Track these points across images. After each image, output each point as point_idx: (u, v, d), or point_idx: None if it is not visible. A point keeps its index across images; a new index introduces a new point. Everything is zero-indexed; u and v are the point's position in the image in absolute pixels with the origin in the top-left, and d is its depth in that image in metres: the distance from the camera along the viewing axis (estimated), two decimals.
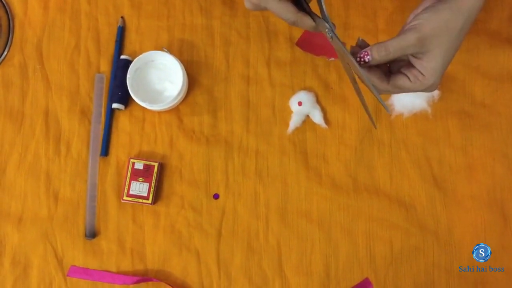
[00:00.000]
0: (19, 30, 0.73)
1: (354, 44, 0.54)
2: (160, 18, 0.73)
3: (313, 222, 0.70)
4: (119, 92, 0.70)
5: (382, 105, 0.51)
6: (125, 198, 0.69)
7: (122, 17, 0.73)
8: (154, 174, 0.69)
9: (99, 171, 0.70)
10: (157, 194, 0.70)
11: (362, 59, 0.51)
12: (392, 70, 0.55)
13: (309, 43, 0.72)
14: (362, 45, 0.54)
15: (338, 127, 0.72)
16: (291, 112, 0.72)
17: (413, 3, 0.72)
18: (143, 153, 0.71)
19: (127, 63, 0.70)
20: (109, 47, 0.73)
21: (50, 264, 0.69)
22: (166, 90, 0.70)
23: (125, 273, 0.68)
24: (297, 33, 0.73)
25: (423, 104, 0.71)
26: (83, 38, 0.73)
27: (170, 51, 0.71)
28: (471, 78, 0.72)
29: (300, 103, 0.71)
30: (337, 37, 0.50)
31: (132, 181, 0.69)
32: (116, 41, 0.73)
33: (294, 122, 0.71)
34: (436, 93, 0.71)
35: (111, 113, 0.71)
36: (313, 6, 0.51)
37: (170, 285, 0.68)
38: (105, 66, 0.73)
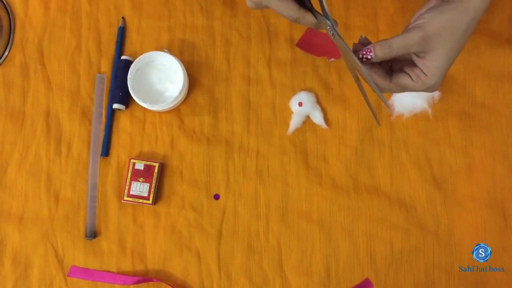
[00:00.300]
0: (20, 30, 0.73)
1: (356, 42, 0.54)
2: (160, 19, 0.74)
3: (313, 222, 0.70)
4: (120, 92, 0.70)
5: (383, 101, 0.51)
6: (125, 198, 0.69)
7: (123, 18, 0.73)
8: (155, 175, 0.69)
9: (100, 171, 0.70)
10: (158, 195, 0.70)
11: (365, 56, 0.51)
12: (394, 68, 0.55)
13: (309, 44, 0.73)
14: (364, 43, 0.54)
15: (338, 127, 0.72)
16: (291, 112, 0.72)
17: (414, 4, 0.73)
18: (144, 154, 0.71)
19: (128, 63, 0.70)
20: (110, 48, 0.73)
21: (50, 264, 0.69)
22: (167, 90, 0.70)
23: (126, 273, 0.69)
24: (298, 34, 0.73)
25: (423, 104, 0.71)
26: (84, 39, 0.73)
27: (171, 51, 0.71)
28: (472, 78, 0.72)
29: (300, 104, 0.71)
30: (338, 34, 0.50)
31: (132, 182, 0.69)
32: (117, 41, 0.73)
33: (294, 122, 0.71)
34: (436, 93, 0.71)
35: (111, 113, 0.71)
36: (314, 5, 0.51)
37: (170, 285, 0.68)
38: (106, 67, 0.73)
